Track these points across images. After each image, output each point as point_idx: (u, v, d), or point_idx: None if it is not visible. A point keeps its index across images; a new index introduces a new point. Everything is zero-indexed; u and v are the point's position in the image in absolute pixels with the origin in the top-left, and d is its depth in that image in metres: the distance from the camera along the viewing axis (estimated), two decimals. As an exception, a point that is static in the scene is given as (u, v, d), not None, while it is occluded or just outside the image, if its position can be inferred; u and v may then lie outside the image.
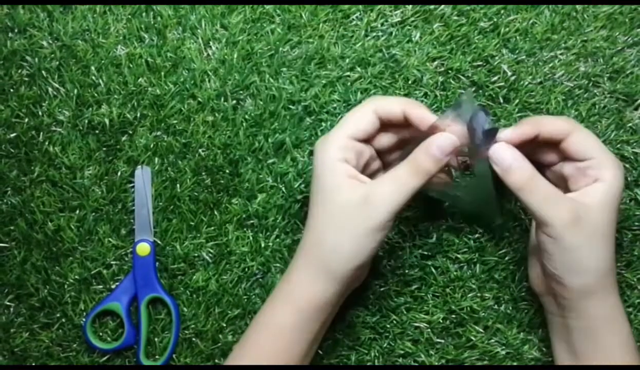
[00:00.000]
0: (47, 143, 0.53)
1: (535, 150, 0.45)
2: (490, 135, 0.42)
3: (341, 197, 0.42)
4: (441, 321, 0.52)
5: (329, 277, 0.43)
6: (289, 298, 0.44)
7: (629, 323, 0.44)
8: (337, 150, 0.43)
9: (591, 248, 0.42)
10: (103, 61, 0.53)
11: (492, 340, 0.52)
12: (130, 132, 0.53)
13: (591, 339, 0.43)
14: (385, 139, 0.46)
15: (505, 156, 0.42)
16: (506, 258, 0.52)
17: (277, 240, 0.53)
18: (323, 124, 0.53)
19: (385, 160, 0.48)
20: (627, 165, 0.52)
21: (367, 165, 0.46)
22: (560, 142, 0.43)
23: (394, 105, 0.44)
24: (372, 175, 0.47)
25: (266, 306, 0.45)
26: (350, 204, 0.41)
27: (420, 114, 0.43)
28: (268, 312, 0.45)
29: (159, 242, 0.53)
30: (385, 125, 0.45)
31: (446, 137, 0.42)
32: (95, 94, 0.53)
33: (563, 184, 0.45)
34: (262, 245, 0.53)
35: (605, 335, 0.43)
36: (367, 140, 0.45)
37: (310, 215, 0.44)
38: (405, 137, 0.46)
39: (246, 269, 0.53)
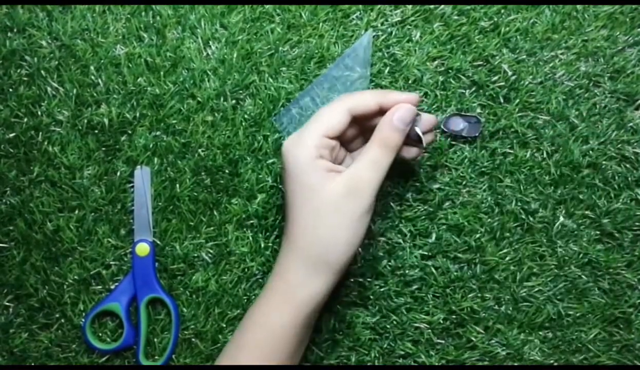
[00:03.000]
0: (46, 143, 0.53)
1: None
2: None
3: (326, 191, 0.43)
4: (441, 322, 0.52)
5: (328, 271, 0.43)
6: (288, 298, 0.44)
7: None
8: (313, 149, 0.43)
9: None
10: (102, 61, 0.53)
11: (493, 341, 0.52)
12: (130, 132, 0.53)
13: None
14: (351, 131, 0.47)
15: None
16: (506, 258, 0.52)
17: (277, 240, 0.53)
18: (323, 123, 0.53)
19: (349, 148, 0.49)
20: (628, 165, 0.52)
21: (336, 156, 0.47)
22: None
23: (368, 101, 0.45)
24: (339, 164, 0.48)
25: (262, 306, 0.45)
26: (338, 196, 0.43)
27: (393, 98, 0.45)
28: (265, 312, 0.45)
29: (159, 242, 0.53)
30: (355, 120, 0.46)
31: (404, 108, 0.44)
32: (95, 94, 0.53)
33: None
34: (262, 245, 0.52)
35: None
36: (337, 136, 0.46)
37: (293, 215, 0.44)
38: (367, 125, 0.47)
39: (246, 270, 0.53)
